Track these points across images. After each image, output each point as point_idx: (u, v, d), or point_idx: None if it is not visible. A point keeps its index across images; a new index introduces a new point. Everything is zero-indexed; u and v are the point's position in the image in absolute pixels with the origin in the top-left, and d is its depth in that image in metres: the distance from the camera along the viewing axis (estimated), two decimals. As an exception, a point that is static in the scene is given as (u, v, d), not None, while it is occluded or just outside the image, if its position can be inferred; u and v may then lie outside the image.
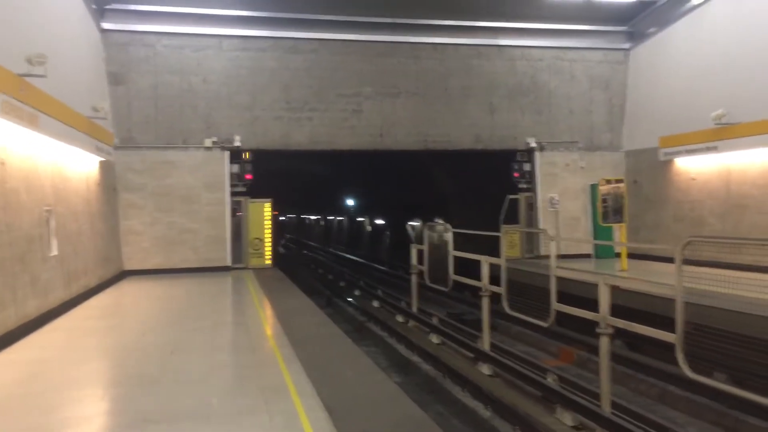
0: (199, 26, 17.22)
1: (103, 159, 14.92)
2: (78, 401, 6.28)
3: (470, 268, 11.74)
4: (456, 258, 12.21)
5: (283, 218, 67.57)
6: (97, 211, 14.54)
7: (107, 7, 16.38)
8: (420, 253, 13.97)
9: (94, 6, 15.55)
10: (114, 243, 16.22)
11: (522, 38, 19.03)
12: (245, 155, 17.85)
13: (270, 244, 19.17)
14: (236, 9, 17.27)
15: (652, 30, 18.37)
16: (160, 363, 7.68)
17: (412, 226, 30.38)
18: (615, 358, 9.01)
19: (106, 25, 16.51)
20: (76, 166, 12.93)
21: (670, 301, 6.43)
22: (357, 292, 20.32)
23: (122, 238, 16.87)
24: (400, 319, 14.83)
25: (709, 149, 15.55)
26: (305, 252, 48.58)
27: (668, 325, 6.39)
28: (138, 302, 13.17)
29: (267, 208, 19.12)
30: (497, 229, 13.42)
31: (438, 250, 12.89)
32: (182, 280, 15.87)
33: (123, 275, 16.49)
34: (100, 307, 12.26)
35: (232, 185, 17.83)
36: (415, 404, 6.26)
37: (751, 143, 14.26)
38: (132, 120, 16.98)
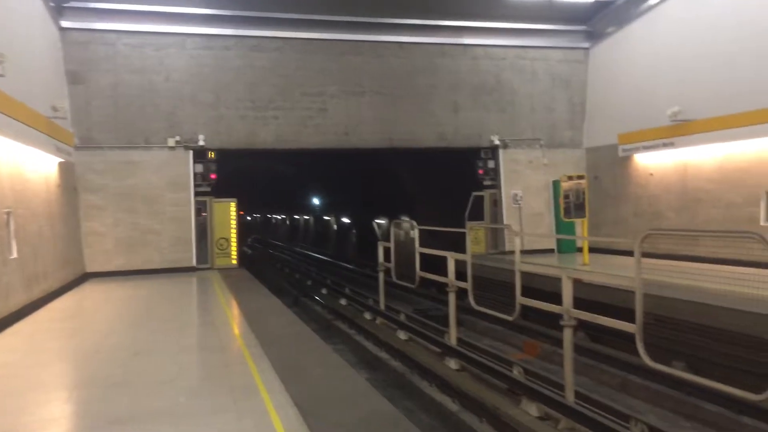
0: (161, 24, 17.00)
1: (62, 160, 14.62)
2: (42, 404, 6.18)
3: (437, 265, 11.87)
4: (422, 254, 12.33)
5: (249, 218, 67.00)
6: (57, 212, 14.25)
7: (66, 5, 16.03)
8: (387, 250, 14.05)
9: (52, 4, 15.21)
10: (75, 245, 15.91)
11: (485, 37, 19.26)
12: (210, 154, 17.69)
13: (236, 244, 19.06)
14: (199, 7, 17.09)
15: (610, 29, 18.79)
16: (125, 364, 7.61)
17: (379, 224, 30.47)
18: (578, 349, 9.24)
19: (65, 23, 16.17)
20: (35, 166, 12.65)
21: (629, 293, 6.63)
22: (324, 291, 20.30)
23: (84, 240, 16.56)
24: (367, 316, 14.89)
25: (665, 145, 16.01)
26: (271, 251, 48.25)
27: (628, 316, 6.59)
28: (101, 304, 12.94)
29: (232, 208, 19.01)
30: (462, 226, 13.61)
31: (404, 247, 12.97)
32: (147, 282, 15.66)
33: (85, 277, 16.18)
34: (62, 310, 12.04)
35: (197, 185, 17.67)
36: (384, 399, 6.34)
37: (706, 139, 14.75)
38: (92, 120, 16.68)
